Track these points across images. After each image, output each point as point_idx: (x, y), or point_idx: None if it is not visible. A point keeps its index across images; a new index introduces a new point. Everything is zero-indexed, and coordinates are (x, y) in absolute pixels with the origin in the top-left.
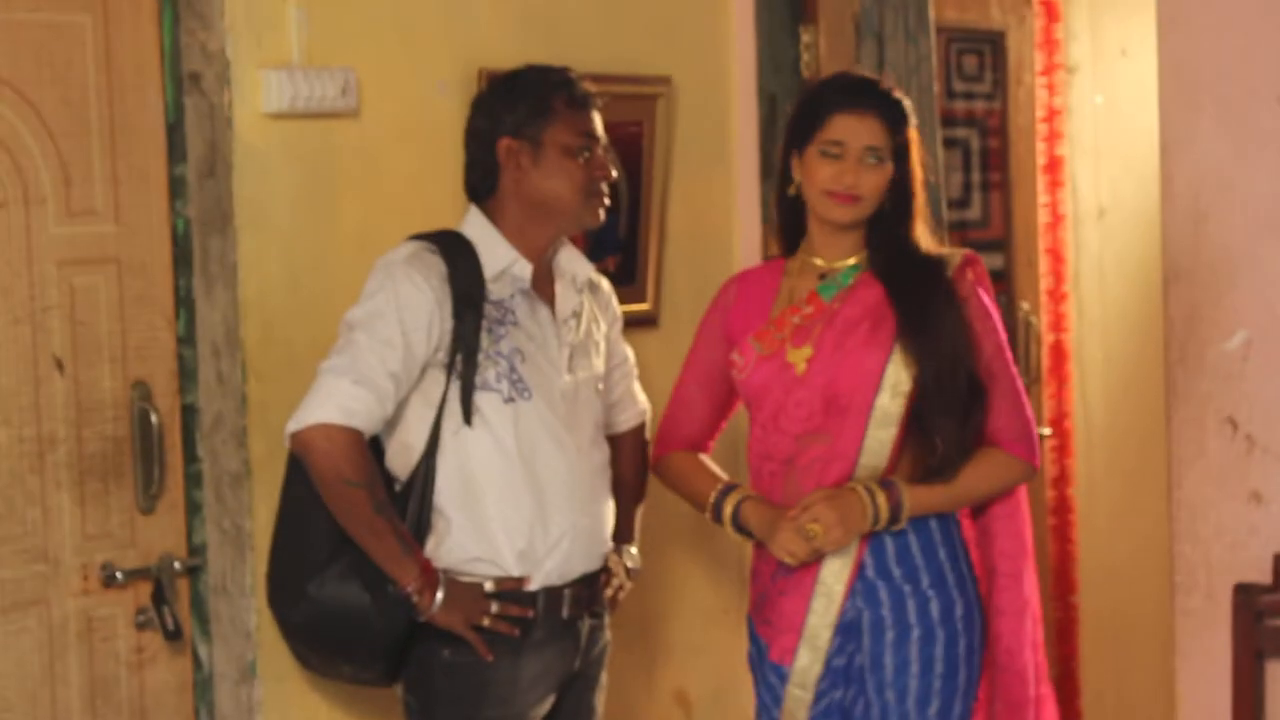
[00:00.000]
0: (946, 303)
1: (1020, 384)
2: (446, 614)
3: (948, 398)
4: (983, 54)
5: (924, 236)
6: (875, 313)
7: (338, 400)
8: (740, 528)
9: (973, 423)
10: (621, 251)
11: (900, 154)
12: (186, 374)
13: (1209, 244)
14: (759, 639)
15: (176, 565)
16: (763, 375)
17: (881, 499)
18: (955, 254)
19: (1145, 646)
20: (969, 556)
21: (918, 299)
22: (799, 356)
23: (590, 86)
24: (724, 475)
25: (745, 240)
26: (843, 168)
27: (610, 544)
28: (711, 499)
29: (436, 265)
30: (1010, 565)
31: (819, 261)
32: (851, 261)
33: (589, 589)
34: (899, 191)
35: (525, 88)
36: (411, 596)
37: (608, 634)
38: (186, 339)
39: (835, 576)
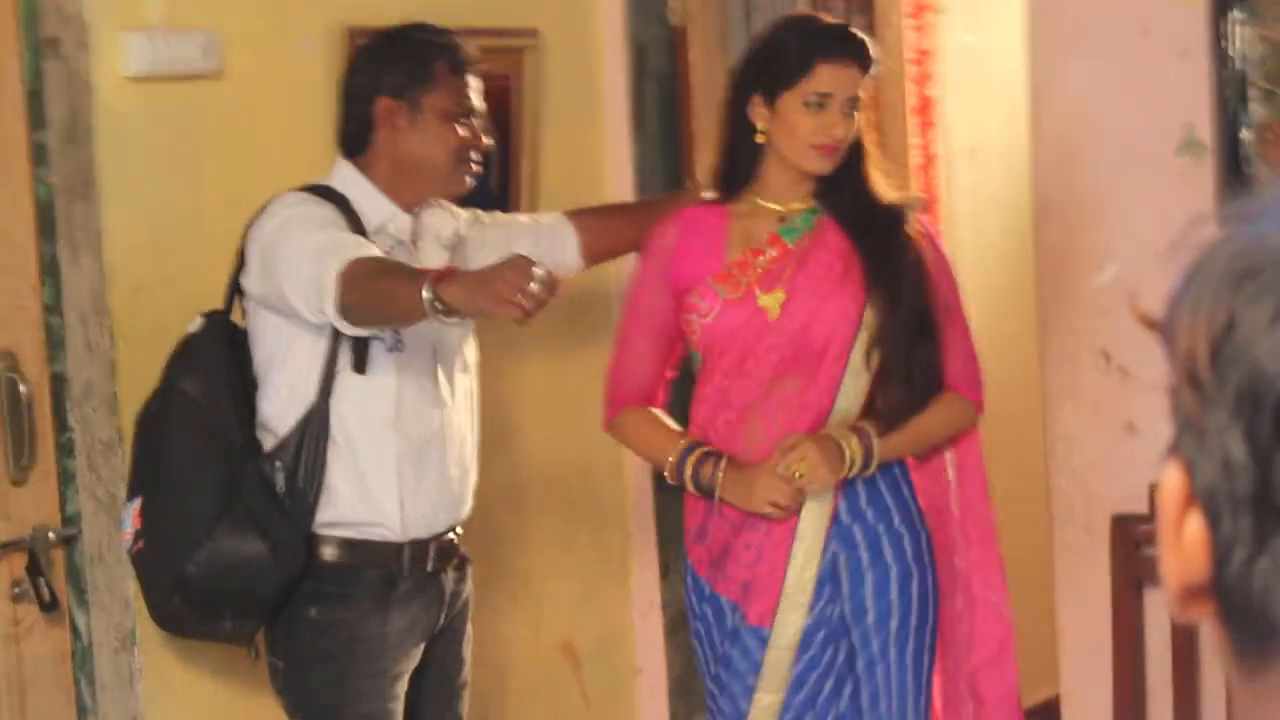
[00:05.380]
0: (906, 250)
1: (969, 327)
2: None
3: (912, 344)
4: None
5: (880, 179)
6: (845, 258)
7: (338, 254)
8: (701, 487)
9: (933, 368)
10: (494, 206)
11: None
12: (54, 342)
13: (1078, 179)
14: (717, 597)
15: (51, 536)
16: (730, 319)
17: (855, 444)
18: (910, 200)
19: (1026, 581)
20: (915, 492)
21: (882, 247)
22: (772, 300)
23: (474, 51)
24: (679, 430)
25: (617, 191)
26: (829, 119)
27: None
28: (672, 458)
29: (328, 206)
30: (980, 491)
31: (775, 205)
32: (810, 205)
33: (452, 541)
34: (857, 134)
35: (408, 48)
36: (426, 297)
37: (470, 585)
38: (53, 307)
39: (814, 526)
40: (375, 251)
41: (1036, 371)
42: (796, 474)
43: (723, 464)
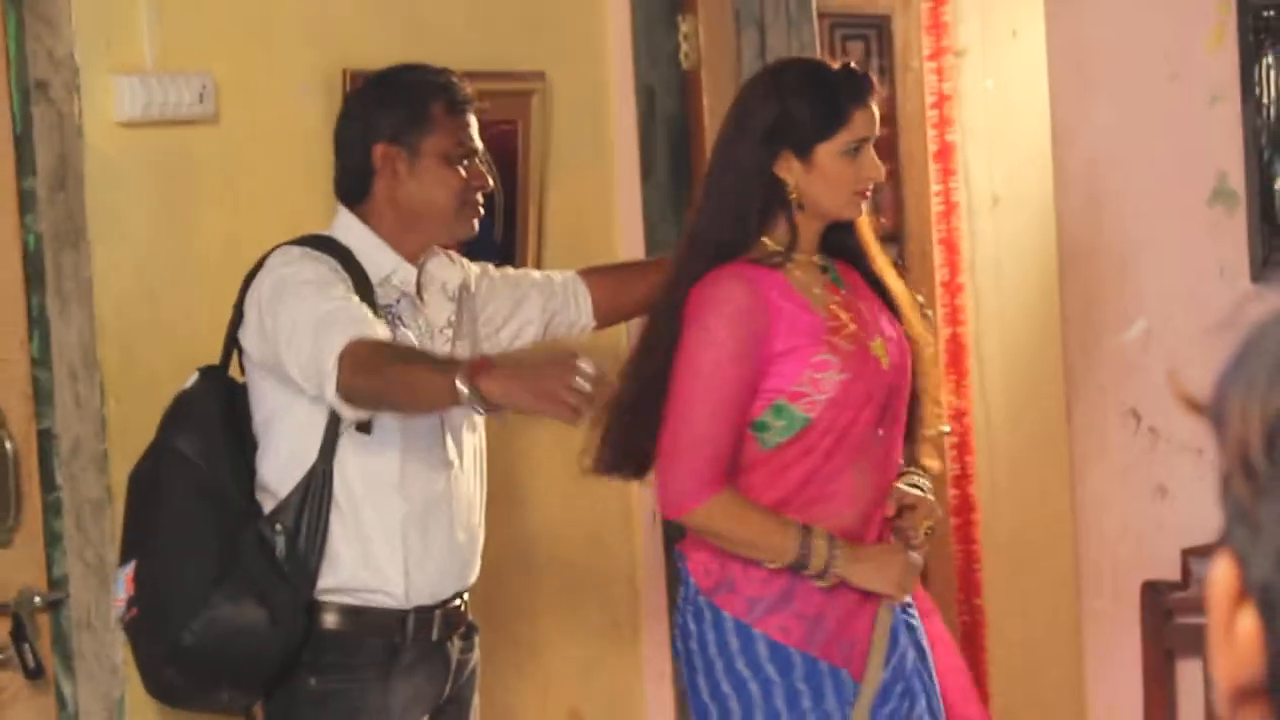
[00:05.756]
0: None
1: None
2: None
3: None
4: (868, 39)
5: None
6: (877, 299)
7: (338, 331)
8: (820, 571)
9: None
10: (498, 256)
11: None
12: (42, 398)
13: (1105, 230)
14: (817, 664)
15: (37, 600)
16: (862, 371)
17: (929, 486)
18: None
19: (1054, 649)
20: None
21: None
22: (879, 349)
23: (469, 90)
24: (772, 511)
25: (627, 240)
26: (868, 162)
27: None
28: (794, 547)
29: (329, 261)
30: None
31: (810, 258)
32: (821, 254)
33: (458, 609)
34: None
35: (403, 91)
36: (464, 392)
37: (476, 654)
38: (41, 361)
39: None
40: (380, 329)
41: (1063, 431)
42: (928, 534)
43: (839, 545)
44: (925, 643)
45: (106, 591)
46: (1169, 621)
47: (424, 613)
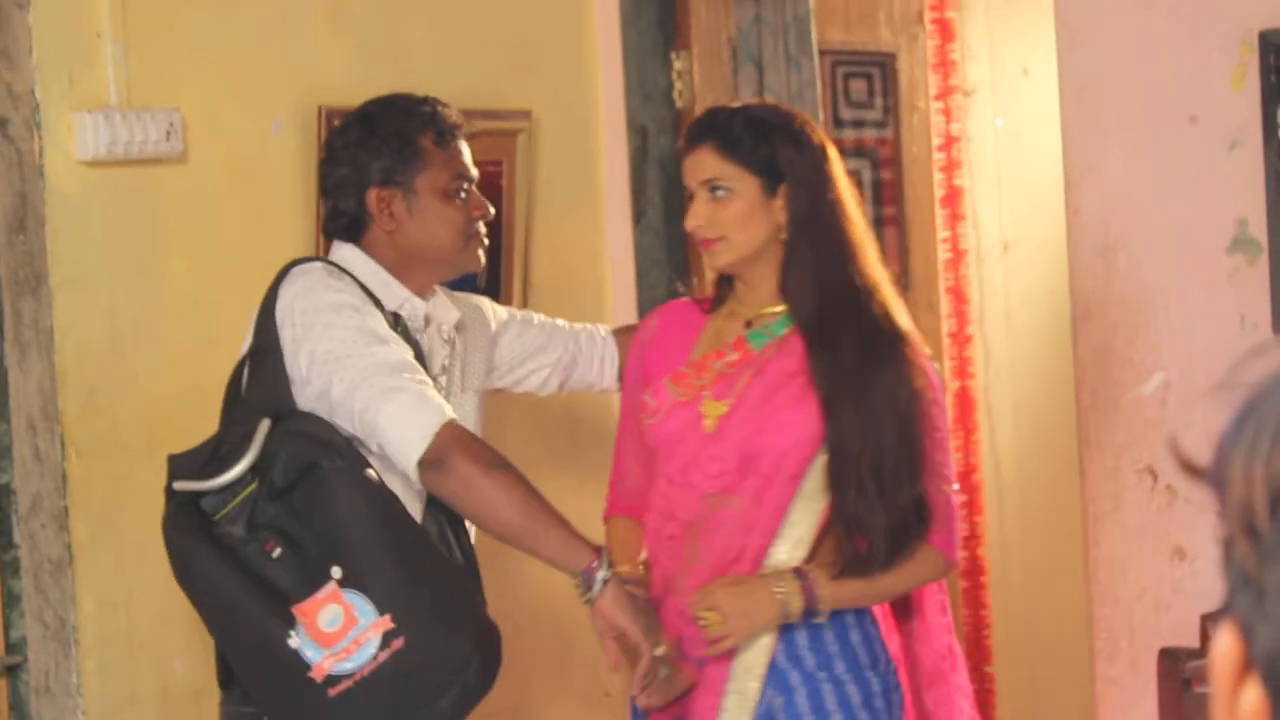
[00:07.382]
0: (895, 378)
1: (950, 471)
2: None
3: (874, 481)
4: (871, 78)
5: (877, 283)
6: (809, 369)
7: (428, 393)
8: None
9: (908, 518)
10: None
11: (797, 179)
12: None
13: (1120, 279)
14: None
15: None
16: (675, 424)
17: (794, 590)
18: (918, 338)
19: (1066, 717)
20: (881, 636)
21: (854, 358)
22: (712, 410)
23: (456, 114)
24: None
25: (618, 287)
26: (690, 211)
27: None
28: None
29: (353, 285)
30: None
31: (743, 309)
32: (780, 309)
33: None
34: (801, 222)
35: (388, 128)
36: (598, 576)
37: None
38: None
39: (748, 671)
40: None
41: (1076, 489)
42: (701, 623)
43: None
44: None
45: (67, 655)
46: (1187, 690)
47: None
